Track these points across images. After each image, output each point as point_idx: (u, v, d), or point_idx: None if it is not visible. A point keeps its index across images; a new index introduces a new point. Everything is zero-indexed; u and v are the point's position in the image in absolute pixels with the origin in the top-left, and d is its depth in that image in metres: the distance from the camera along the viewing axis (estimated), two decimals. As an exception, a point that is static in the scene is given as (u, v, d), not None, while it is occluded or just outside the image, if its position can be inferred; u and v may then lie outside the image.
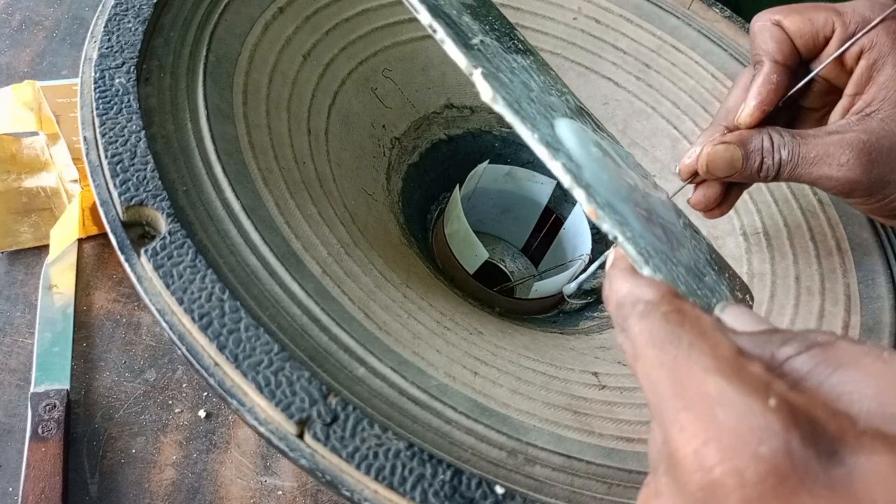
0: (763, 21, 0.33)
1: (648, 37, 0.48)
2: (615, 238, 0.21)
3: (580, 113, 0.30)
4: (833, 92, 0.34)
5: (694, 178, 0.34)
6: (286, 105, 0.37)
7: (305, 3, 0.40)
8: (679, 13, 0.49)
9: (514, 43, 0.30)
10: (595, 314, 0.44)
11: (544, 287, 0.44)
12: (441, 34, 0.23)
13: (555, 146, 0.23)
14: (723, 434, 0.15)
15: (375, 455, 0.24)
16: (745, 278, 0.39)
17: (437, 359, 0.30)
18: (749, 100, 0.32)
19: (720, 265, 0.28)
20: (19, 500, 0.34)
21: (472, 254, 0.43)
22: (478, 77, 0.23)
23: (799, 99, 0.35)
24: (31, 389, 0.38)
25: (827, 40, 0.32)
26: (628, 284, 0.20)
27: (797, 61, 0.33)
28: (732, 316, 0.20)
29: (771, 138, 0.32)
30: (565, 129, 0.25)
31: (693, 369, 0.16)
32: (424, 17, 0.24)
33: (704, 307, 0.22)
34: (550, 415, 0.29)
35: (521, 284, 0.50)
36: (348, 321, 0.28)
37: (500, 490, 0.24)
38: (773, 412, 0.14)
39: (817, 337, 0.17)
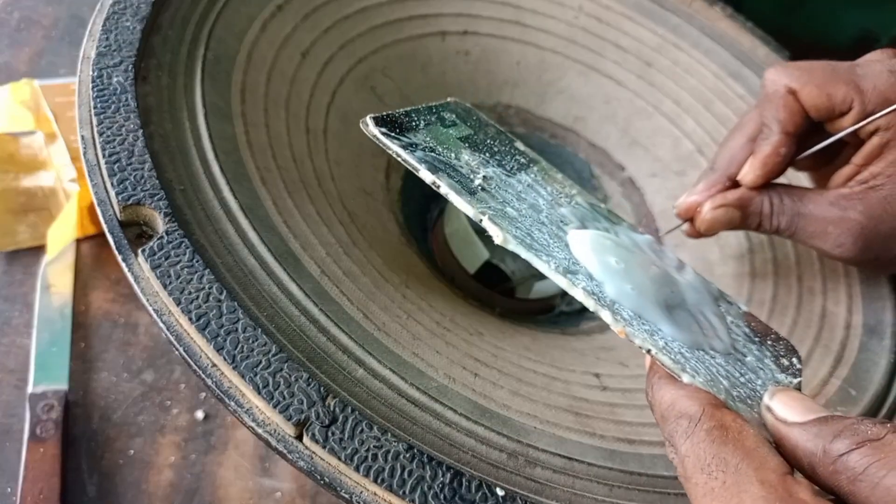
0: (778, 87, 0.32)
1: (650, 35, 0.47)
2: (649, 351, 0.22)
3: (593, 212, 0.30)
4: (841, 143, 0.33)
5: (691, 219, 0.34)
6: (284, 104, 0.37)
7: (304, 2, 0.40)
8: (680, 12, 0.48)
9: (515, 161, 0.31)
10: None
11: (545, 287, 0.43)
12: (444, 188, 0.25)
13: (573, 270, 0.24)
14: None
15: (374, 457, 0.24)
16: (746, 278, 0.39)
17: (436, 360, 0.29)
18: (755, 167, 0.32)
19: (761, 333, 0.28)
20: (17, 500, 0.34)
21: (473, 254, 0.42)
22: (487, 223, 0.24)
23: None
24: (30, 390, 0.38)
25: (843, 114, 0.32)
26: (670, 395, 0.21)
27: (808, 129, 0.33)
28: (781, 405, 0.21)
29: (771, 203, 0.32)
30: (580, 244, 0.26)
31: (742, 498, 0.17)
32: (426, 175, 0.25)
33: (751, 396, 0.22)
34: (551, 416, 0.29)
35: (521, 284, 0.50)
36: (347, 322, 0.28)
37: (500, 492, 0.24)
38: None
39: (868, 431, 0.17)
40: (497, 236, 0.24)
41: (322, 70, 0.40)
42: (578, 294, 0.23)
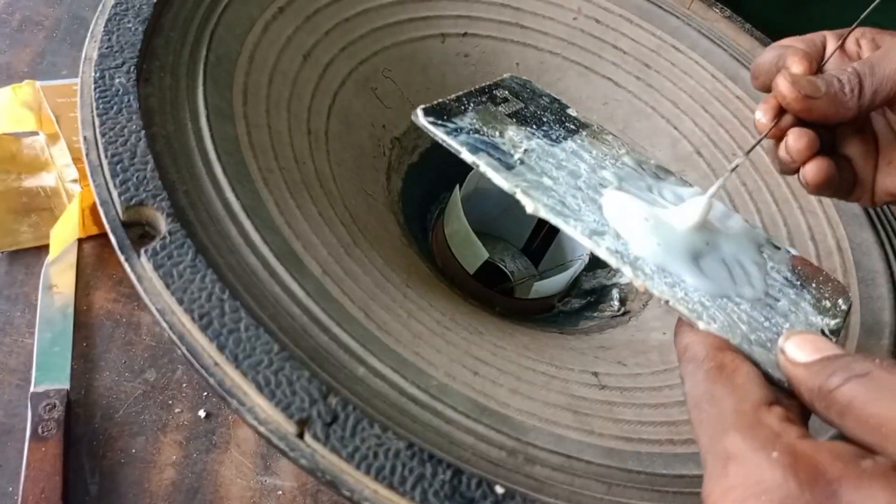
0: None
1: (648, 37, 0.48)
2: (667, 302, 0.23)
3: (640, 169, 0.31)
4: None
5: (777, 118, 0.31)
6: (286, 105, 0.37)
7: (305, 3, 0.40)
8: (679, 13, 0.49)
9: (564, 128, 0.32)
10: (595, 314, 0.44)
11: (544, 287, 0.44)
12: (483, 167, 0.27)
13: (600, 231, 0.26)
14: (734, 488, 0.17)
15: (375, 455, 0.24)
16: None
17: (437, 358, 0.30)
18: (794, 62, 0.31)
19: (805, 276, 0.28)
20: (19, 499, 0.34)
21: (472, 254, 0.43)
22: (520, 195, 0.26)
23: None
24: (31, 389, 0.38)
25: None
26: (686, 340, 0.22)
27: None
28: (793, 346, 0.22)
29: (838, 73, 0.30)
30: (614, 204, 0.28)
31: (719, 426, 0.19)
32: (466, 156, 0.27)
33: (771, 339, 0.23)
34: (550, 414, 0.29)
35: (521, 284, 0.50)
36: (348, 321, 0.28)
37: (499, 490, 0.24)
38: (775, 464, 0.17)
39: (857, 367, 0.19)
40: (528, 206, 0.26)
41: (323, 72, 0.40)
42: (602, 253, 0.24)
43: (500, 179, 0.27)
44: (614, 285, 0.45)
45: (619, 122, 0.47)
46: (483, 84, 0.33)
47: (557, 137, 0.31)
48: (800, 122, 0.31)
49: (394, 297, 0.32)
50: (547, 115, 0.33)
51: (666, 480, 0.28)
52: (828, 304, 0.27)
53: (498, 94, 0.33)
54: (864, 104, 0.30)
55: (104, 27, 0.32)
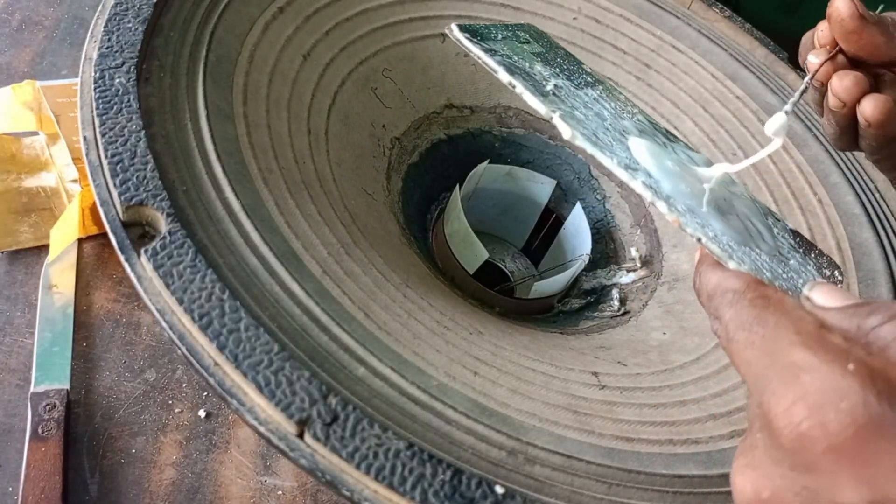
0: None
1: (648, 37, 0.48)
2: (699, 239, 0.23)
3: (652, 128, 0.32)
4: None
5: (831, 54, 0.31)
6: (286, 105, 0.37)
7: (305, 3, 0.40)
8: (679, 13, 0.49)
9: (583, 78, 0.33)
10: (595, 314, 0.44)
11: (544, 287, 0.44)
12: (520, 88, 0.26)
13: (633, 167, 0.25)
14: (809, 395, 0.17)
15: (375, 455, 0.24)
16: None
17: (436, 358, 0.30)
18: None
19: (805, 247, 0.29)
20: (19, 499, 0.34)
21: (472, 254, 0.43)
22: (557, 120, 0.25)
23: None
24: (31, 389, 0.38)
25: None
26: (717, 277, 0.22)
27: None
28: (820, 294, 0.22)
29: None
30: (640, 149, 0.28)
31: (780, 344, 0.18)
32: (503, 76, 0.27)
33: (792, 289, 0.24)
34: (550, 415, 0.29)
35: (521, 284, 0.50)
36: (348, 321, 0.28)
37: (499, 490, 0.24)
38: (852, 374, 0.17)
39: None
40: (566, 132, 0.25)
41: (323, 72, 0.40)
42: (637, 186, 0.24)
43: (536, 103, 0.26)
44: (614, 285, 0.45)
45: (619, 122, 0.47)
46: (505, 24, 0.33)
47: (579, 84, 0.32)
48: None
49: (393, 297, 0.32)
50: (566, 63, 0.33)
51: (666, 480, 0.28)
52: (827, 272, 0.28)
53: (521, 35, 0.33)
54: None
55: (104, 27, 0.32)
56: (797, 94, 0.29)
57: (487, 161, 0.47)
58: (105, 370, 0.40)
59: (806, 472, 0.17)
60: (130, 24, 0.33)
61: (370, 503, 0.24)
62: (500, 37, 0.30)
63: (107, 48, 0.32)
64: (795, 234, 0.30)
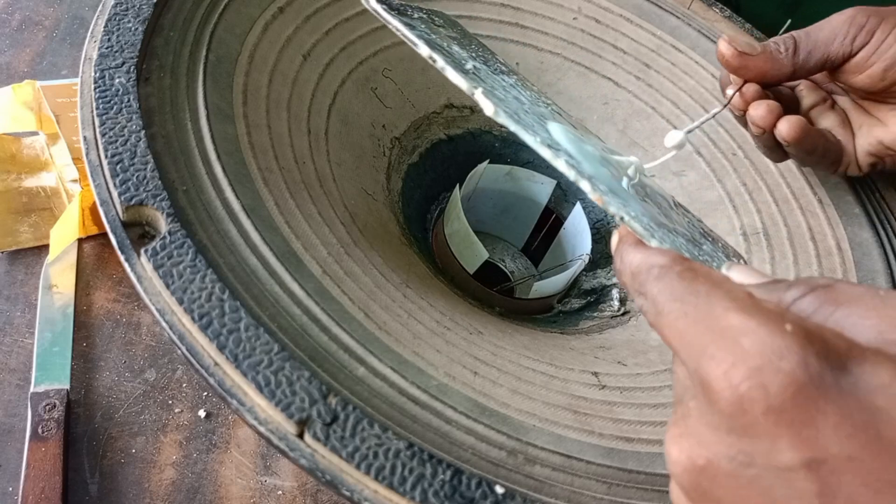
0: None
1: (648, 37, 0.48)
2: (622, 218, 0.23)
3: (568, 120, 0.32)
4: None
5: (738, 87, 0.36)
6: (286, 105, 0.37)
7: (305, 3, 0.40)
8: (679, 13, 0.49)
9: (498, 66, 0.33)
10: (595, 314, 0.44)
11: (544, 287, 0.44)
12: (441, 63, 0.26)
13: (555, 147, 0.25)
14: (748, 356, 0.17)
15: (375, 455, 0.24)
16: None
17: (436, 358, 0.30)
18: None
19: (713, 237, 0.30)
20: (19, 499, 0.34)
21: (472, 254, 0.43)
22: (479, 95, 0.25)
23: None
24: (31, 389, 0.38)
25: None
26: (640, 255, 0.22)
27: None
28: (738, 273, 0.22)
29: (779, 42, 0.35)
30: (558, 132, 0.28)
31: (714, 311, 0.18)
32: (423, 49, 0.26)
33: None
34: (550, 414, 0.29)
35: (521, 284, 0.50)
36: (348, 321, 0.28)
37: (499, 490, 0.24)
38: (791, 335, 0.17)
39: (818, 280, 0.19)
40: (488, 108, 0.24)
41: (323, 72, 0.40)
42: (560, 165, 0.24)
43: (458, 78, 0.25)
44: (614, 285, 0.45)
45: (619, 122, 0.47)
46: (421, 7, 0.33)
47: (496, 70, 0.31)
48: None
49: (393, 297, 0.32)
50: (481, 52, 0.33)
51: (666, 480, 0.28)
52: (735, 260, 0.28)
53: (436, 19, 0.33)
54: (799, 63, 0.35)
55: (104, 27, 0.32)
56: (699, 122, 0.33)
57: (487, 161, 0.47)
58: (105, 370, 0.40)
59: (744, 435, 0.17)
60: (130, 24, 0.33)
61: (370, 503, 0.24)
62: (416, 16, 0.30)
63: (107, 48, 0.32)
64: (702, 224, 0.31)
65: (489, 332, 0.34)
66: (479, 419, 0.27)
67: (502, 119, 0.24)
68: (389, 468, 0.24)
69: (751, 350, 0.17)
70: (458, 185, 0.44)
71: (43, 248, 0.44)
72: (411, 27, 0.27)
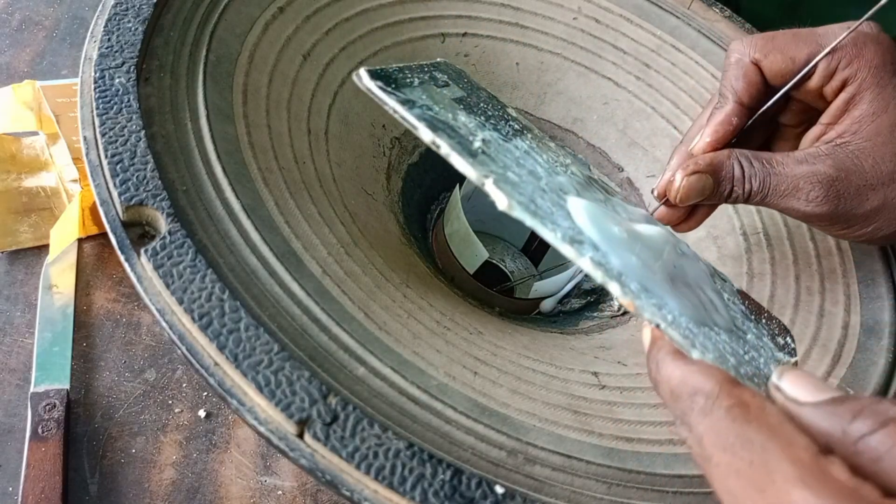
0: (739, 55, 0.33)
1: (648, 37, 0.48)
2: (658, 325, 0.21)
3: (589, 183, 0.30)
4: (810, 111, 0.34)
5: (665, 200, 0.34)
6: (286, 105, 0.37)
7: (305, 3, 0.40)
8: (679, 13, 0.49)
9: (510, 126, 0.30)
10: (595, 314, 0.44)
11: (544, 287, 0.44)
12: (445, 149, 0.23)
13: (578, 239, 0.23)
14: None
15: (375, 455, 0.24)
16: (744, 278, 0.39)
17: (436, 358, 0.30)
18: (705, 135, 0.33)
19: (755, 310, 0.27)
20: (19, 499, 0.34)
21: (472, 254, 0.43)
22: (490, 187, 0.22)
23: (778, 116, 0.35)
24: (31, 389, 0.38)
25: (808, 78, 0.32)
26: (680, 372, 0.19)
27: (763, 100, 0.33)
28: (791, 385, 0.20)
29: (742, 167, 0.32)
30: (581, 213, 0.25)
31: (773, 478, 0.16)
32: (426, 134, 0.24)
33: (756, 374, 0.21)
34: (550, 414, 0.29)
35: (521, 284, 0.50)
36: (348, 321, 0.28)
37: (499, 490, 0.24)
38: None
39: (889, 411, 0.17)
40: (501, 202, 0.22)
41: (323, 72, 0.40)
42: (586, 264, 0.22)
43: (465, 166, 0.23)
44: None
45: (619, 122, 0.47)
46: (419, 62, 0.30)
47: (507, 134, 0.29)
48: None
49: (393, 297, 0.32)
50: (490, 109, 0.30)
51: (666, 480, 0.28)
52: (781, 341, 0.26)
53: (438, 77, 0.30)
54: (745, 200, 0.32)
55: (104, 27, 0.32)
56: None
57: (487, 161, 0.46)
58: (105, 370, 0.40)
59: None
60: (130, 24, 0.33)
61: (370, 503, 0.24)
62: (416, 82, 0.27)
63: (107, 48, 0.32)
64: (743, 295, 0.28)
65: (489, 332, 0.34)
66: (479, 419, 0.27)
67: (517, 213, 0.22)
68: (389, 468, 0.24)
69: None
70: (458, 185, 0.44)
71: (43, 248, 0.43)
72: (411, 104, 0.25)
